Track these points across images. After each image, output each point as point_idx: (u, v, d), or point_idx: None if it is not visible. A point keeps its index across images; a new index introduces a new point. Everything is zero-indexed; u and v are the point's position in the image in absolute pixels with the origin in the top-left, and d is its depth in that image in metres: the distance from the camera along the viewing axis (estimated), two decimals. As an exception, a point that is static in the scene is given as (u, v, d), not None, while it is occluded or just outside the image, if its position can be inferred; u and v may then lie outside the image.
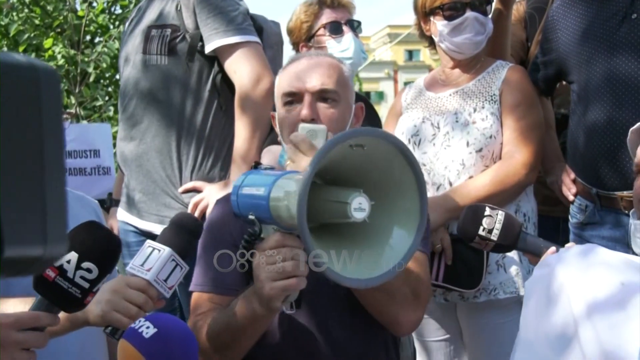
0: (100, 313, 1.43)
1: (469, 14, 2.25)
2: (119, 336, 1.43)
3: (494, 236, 1.70)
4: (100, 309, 1.43)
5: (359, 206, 1.24)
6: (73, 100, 5.81)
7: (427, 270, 1.77)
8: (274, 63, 2.50)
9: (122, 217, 2.51)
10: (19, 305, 1.41)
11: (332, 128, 1.67)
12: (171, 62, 2.35)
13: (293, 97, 1.75)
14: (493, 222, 1.70)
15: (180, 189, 2.34)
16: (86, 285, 1.27)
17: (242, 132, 2.28)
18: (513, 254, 2.21)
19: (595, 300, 1.19)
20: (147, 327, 1.34)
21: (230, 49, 2.29)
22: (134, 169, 2.43)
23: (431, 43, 2.43)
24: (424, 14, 2.35)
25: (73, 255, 1.26)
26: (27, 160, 0.53)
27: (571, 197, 2.36)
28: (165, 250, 1.45)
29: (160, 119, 2.37)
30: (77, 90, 5.79)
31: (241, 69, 2.28)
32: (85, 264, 1.26)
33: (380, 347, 1.75)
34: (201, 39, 2.33)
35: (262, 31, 2.48)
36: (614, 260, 1.32)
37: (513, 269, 2.21)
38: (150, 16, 2.44)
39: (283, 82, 1.79)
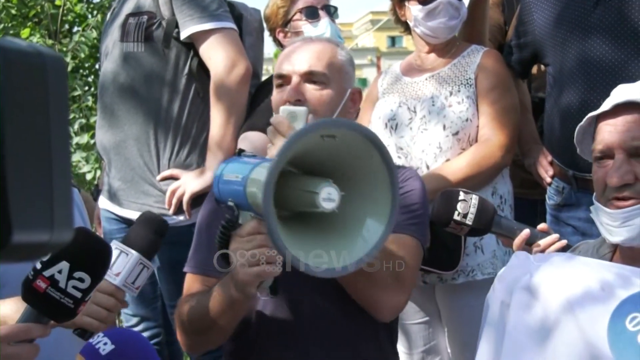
0: (103, 322, 1.45)
1: None
2: (87, 337, 1.43)
3: (469, 220, 1.71)
4: None
5: (328, 196, 1.23)
6: (52, 91, 5.77)
7: (416, 256, 1.72)
8: (253, 50, 2.50)
9: (104, 205, 2.52)
10: (13, 305, 1.38)
11: (320, 110, 1.69)
12: (148, 49, 2.35)
13: (283, 80, 1.75)
14: (467, 206, 1.71)
15: (158, 177, 2.34)
16: (79, 295, 1.24)
17: (217, 118, 2.28)
18: (491, 235, 2.23)
19: (575, 295, 1.21)
20: (105, 344, 1.34)
21: (204, 35, 2.29)
22: (112, 157, 2.43)
23: (407, 28, 2.44)
24: (399, -1, 2.36)
25: (64, 265, 1.23)
26: (34, 147, 0.53)
27: (548, 179, 2.38)
28: (134, 255, 1.45)
29: (138, 106, 2.37)
30: (55, 81, 5.74)
31: (216, 55, 2.27)
32: (78, 274, 1.23)
33: (369, 333, 1.73)
34: (177, 26, 2.32)
35: (241, 18, 2.48)
36: (591, 263, 1.35)
37: (490, 251, 2.23)
38: (128, 5, 2.45)
39: (276, 66, 1.81)
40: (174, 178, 2.33)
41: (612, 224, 1.42)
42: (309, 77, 1.73)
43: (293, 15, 2.60)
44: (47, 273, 1.22)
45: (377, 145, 1.26)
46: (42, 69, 0.54)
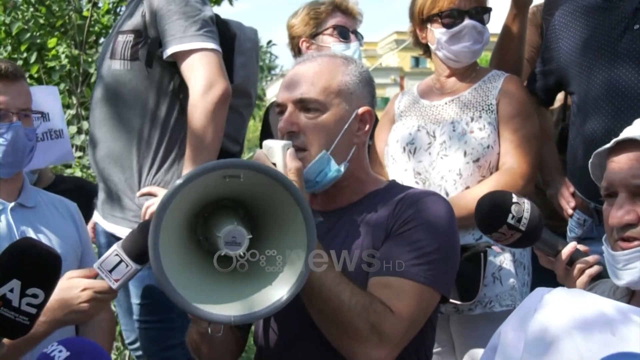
0: (89, 315, 1.57)
1: (468, 22, 2.24)
2: None
3: (522, 226, 1.54)
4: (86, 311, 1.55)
5: (232, 240, 1.20)
6: (74, 100, 5.80)
7: (413, 303, 1.52)
8: (244, 69, 2.49)
9: (96, 218, 2.55)
10: None
11: (315, 139, 1.62)
12: (134, 67, 2.35)
13: (280, 108, 1.69)
14: (521, 210, 1.53)
15: (138, 194, 2.34)
16: (33, 311, 1.23)
17: (191, 139, 2.25)
18: (509, 266, 2.18)
19: (580, 318, 1.15)
20: (60, 351, 1.34)
21: (185, 55, 2.27)
22: (98, 172, 2.46)
23: (426, 51, 2.41)
24: (421, 21, 2.34)
25: (16, 283, 1.20)
26: None
27: (570, 211, 2.32)
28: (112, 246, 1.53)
29: (122, 123, 2.38)
30: (78, 91, 5.77)
31: (194, 75, 2.25)
32: (31, 290, 1.22)
33: None
34: (162, 45, 2.32)
35: (235, 37, 2.47)
36: (594, 296, 1.29)
37: (509, 282, 2.17)
38: (121, 22, 2.47)
39: (278, 90, 1.75)
40: (152, 195, 2.32)
41: (615, 266, 1.34)
42: (302, 104, 1.64)
43: (324, 30, 2.65)
44: None
45: (281, 182, 1.23)
46: None
